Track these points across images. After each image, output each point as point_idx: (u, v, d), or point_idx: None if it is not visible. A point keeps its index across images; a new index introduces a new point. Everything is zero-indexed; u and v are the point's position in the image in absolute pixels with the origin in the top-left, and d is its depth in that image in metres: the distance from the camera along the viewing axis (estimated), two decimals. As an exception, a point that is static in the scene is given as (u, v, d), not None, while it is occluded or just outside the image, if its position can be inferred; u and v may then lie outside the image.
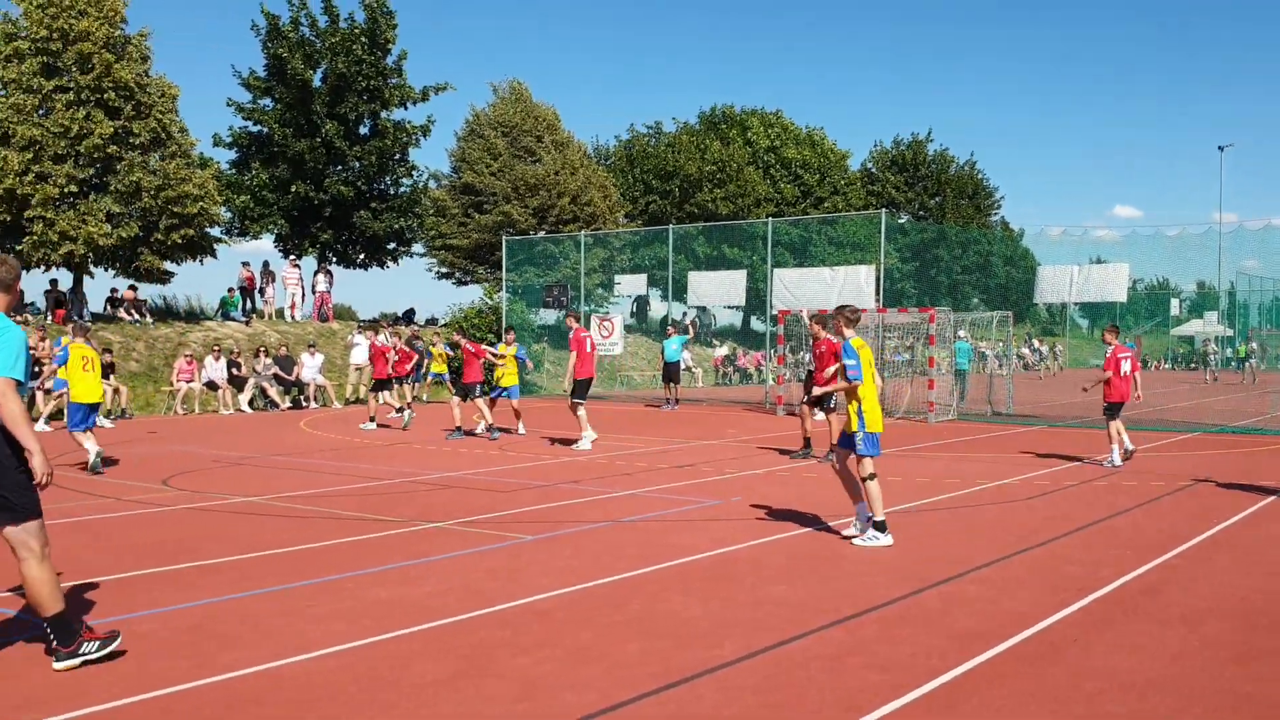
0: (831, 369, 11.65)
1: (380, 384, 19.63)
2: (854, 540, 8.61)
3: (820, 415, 14.87)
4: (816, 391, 11.30)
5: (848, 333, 9.10)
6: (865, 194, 56.40)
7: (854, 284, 23.31)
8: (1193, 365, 49.52)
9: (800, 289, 24.22)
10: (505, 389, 17.62)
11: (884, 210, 31.67)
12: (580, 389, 16.00)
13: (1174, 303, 48.28)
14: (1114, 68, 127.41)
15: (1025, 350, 47.81)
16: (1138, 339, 43.32)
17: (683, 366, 27.77)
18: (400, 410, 19.55)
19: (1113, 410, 13.91)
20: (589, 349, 16.23)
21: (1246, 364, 31.27)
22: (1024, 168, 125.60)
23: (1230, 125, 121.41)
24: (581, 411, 15.97)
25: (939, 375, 21.99)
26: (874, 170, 60.29)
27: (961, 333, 23.57)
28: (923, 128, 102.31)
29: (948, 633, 6.05)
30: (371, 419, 19.28)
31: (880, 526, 8.56)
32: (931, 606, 6.65)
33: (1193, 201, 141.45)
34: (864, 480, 8.68)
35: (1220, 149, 58.44)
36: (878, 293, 23.63)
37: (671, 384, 25.13)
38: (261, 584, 7.23)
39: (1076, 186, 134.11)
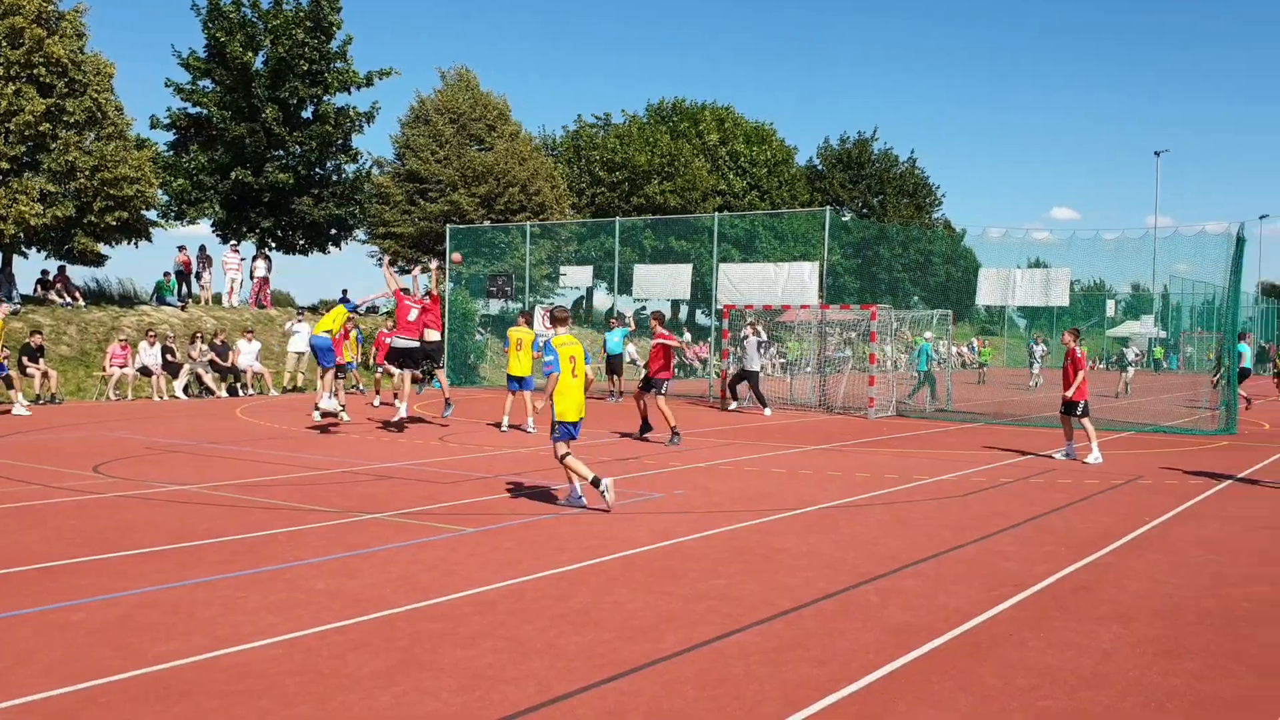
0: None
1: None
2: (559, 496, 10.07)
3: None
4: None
5: (552, 330, 10.19)
6: (811, 190, 56.82)
7: (798, 280, 23.47)
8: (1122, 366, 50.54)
9: (745, 284, 24.32)
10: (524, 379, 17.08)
11: (828, 207, 31.89)
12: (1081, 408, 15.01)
13: (1110, 304, 49.26)
14: (1054, 72, 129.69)
15: (964, 349, 48.45)
16: (981, 342, 44.34)
17: (626, 359, 27.74)
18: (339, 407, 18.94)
19: (1083, 408, 14.34)
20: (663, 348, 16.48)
21: (1128, 369, 31.43)
22: (965, 168, 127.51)
23: (1167, 131, 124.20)
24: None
25: (879, 372, 22.22)
26: (820, 167, 60.77)
27: (928, 334, 23.90)
28: (868, 126, 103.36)
29: (885, 627, 6.12)
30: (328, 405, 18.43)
31: (596, 483, 9.64)
32: (869, 601, 6.72)
33: (1129, 205, 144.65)
34: (560, 459, 9.88)
35: (1156, 154, 60.05)
36: (821, 289, 23.81)
37: (615, 376, 25.12)
38: (194, 574, 7.09)
39: (1016, 188, 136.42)
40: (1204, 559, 8.19)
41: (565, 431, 9.92)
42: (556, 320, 10.72)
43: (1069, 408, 14.48)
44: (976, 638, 5.97)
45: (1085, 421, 14.32)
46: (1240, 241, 19.11)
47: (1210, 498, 11.30)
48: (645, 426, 16.22)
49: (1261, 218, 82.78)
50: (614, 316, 27.52)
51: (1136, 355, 32.33)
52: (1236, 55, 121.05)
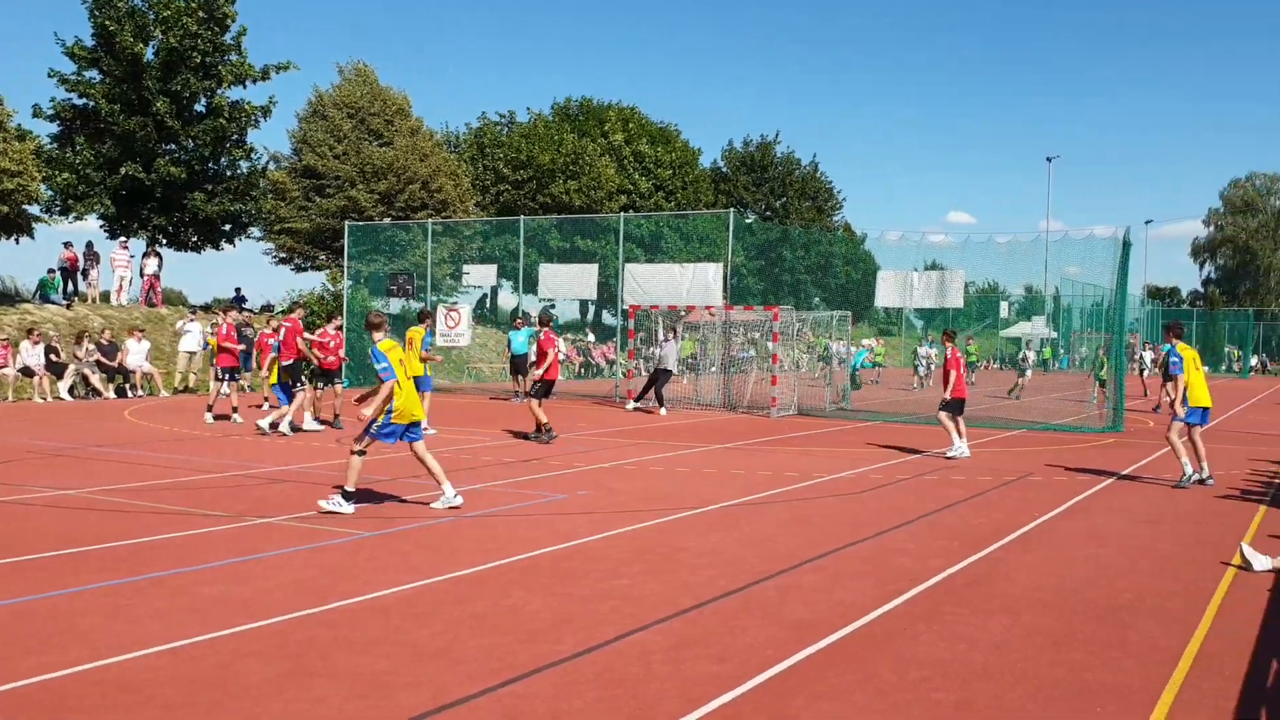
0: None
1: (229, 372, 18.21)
2: (321, 505, 9.43)
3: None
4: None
5: (376, 336, 9.87)
6: (716, 192, 57.34)
7: (702, 281, 23.62)
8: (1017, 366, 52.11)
9: (651, 284, 24.39)
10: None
11: (733, 209, 32.18)
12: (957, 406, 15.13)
13: (1003, 305, 50.71)
14: (949, 78, 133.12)
15: (925, 349, 49.36)
16: (969, 339, 45.38)
17: (530, 359, 27.62)
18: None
19: (958, 406, 14.74)
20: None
21: (1026, 374, 32.30)
22: (864, 172, 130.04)
23: (1059, 139, 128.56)
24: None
25: (781, 372, 22.50)
26: (725, 170, 61.37)
27: (867, 341, 24.51)
28: (770, 129, 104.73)
29: (784, 623, 6.17)
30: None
31: (348, 496, 9.37)
32: (768, 597, 6.78)
33: (1022, 209, 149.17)
34: (352, 452, 9.56)
35: (1049, 160, 61.87)
36: (725, 290, 24.03)
37: (519, 376, 24.94)
38: (76, 582, 6.80)
39: (914, 192, 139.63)
40: (1090, 552, 8.46)
41: (398, 432, 9.61)
42: (373, 325, 10.12)
43: (949, 406, 14.84)
44: (872, 632, 6.06)
45: (953, 417, 14.75)
46: (1126, 245, 19.84)
47: (1097, 493, 11.69)
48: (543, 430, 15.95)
49: (1147, 222, 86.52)
50: (519, 316, 27.32)
51: (1024, 358, 33.31)
52: (1124, 62, 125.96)
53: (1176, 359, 11.86)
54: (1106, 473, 13.33)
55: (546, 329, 16.53)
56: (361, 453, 9.57)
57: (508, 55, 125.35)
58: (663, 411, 21.35)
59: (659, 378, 22.00)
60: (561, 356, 16.98)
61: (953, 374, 14.74)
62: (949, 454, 14.55)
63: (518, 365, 24.95)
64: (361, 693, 4.89)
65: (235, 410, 18.27)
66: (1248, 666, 5.57)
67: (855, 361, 24.73)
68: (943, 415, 14.81)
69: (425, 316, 17.57)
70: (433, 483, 9.94)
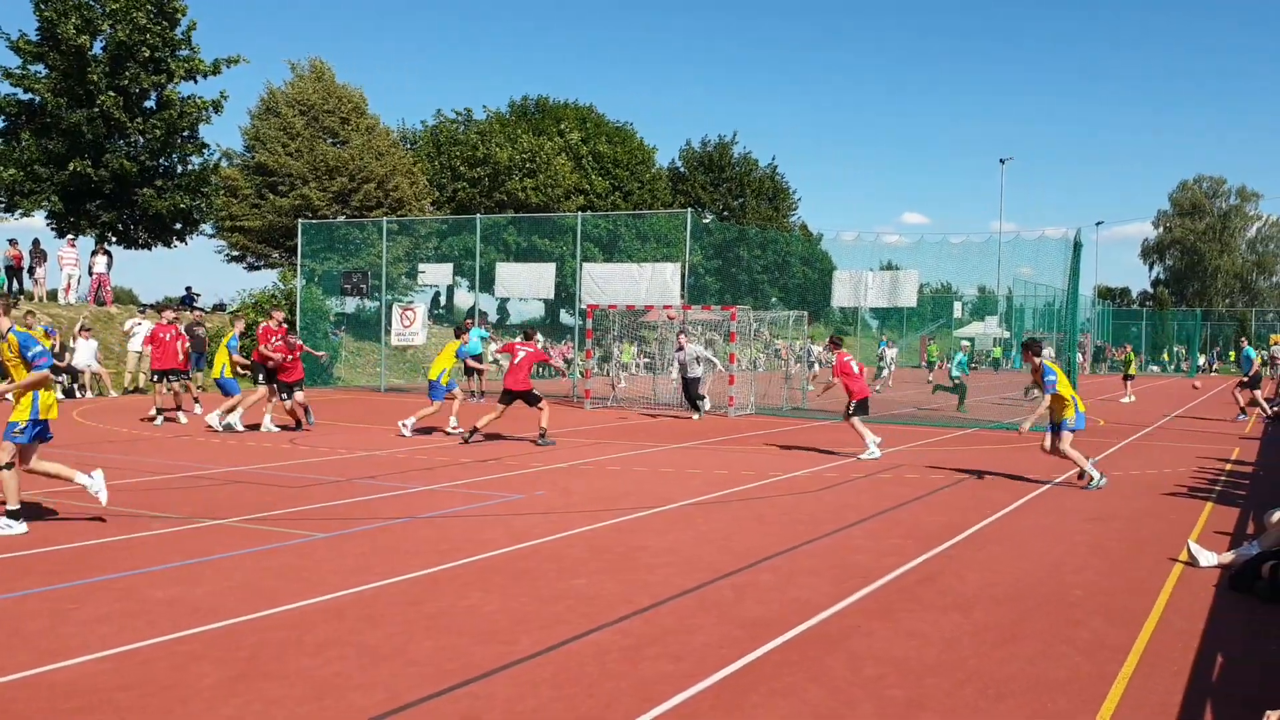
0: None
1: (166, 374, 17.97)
2: None
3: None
4: None
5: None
6: (673, 192, 57.44)
7: (661, 280, 23.64)
8: (974, 365, 52.75)
9: (609, 284, 24.36)
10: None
11: (690, 209, 32.23)
12: (862, 408, 14.88)
13: (956, 305, 51.29)
14: (903, 79, 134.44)
15: (818, 348, 49.70)
16: (923, 339, 45.90)
17: (489, 359, 27.45)
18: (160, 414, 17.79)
19: (863, 407, 14.79)
20: (856, 370, 15.11)
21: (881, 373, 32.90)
22: (820, 172, 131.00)
23: (1012, 141, 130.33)
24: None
25: (739, 371, 22.59)
26: (682, 169, 61.49)
27: (965, 344, 24.44)
28: (728, 129, 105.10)
29: (739, 621, 6.19)
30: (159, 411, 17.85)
31: (14, 515, 8.35)
32: (725, 596, 6.80)
33: (975, 210, 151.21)
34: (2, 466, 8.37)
35: (1001, 162, 62.62)
36: (683, 289, 24.08)
37: (475, 376, 24.80)
38: (20, 585, 6.67)
39: (869, 193, 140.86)
40: (1041, 550, 8.57)
41: (38, 433, 8.71)
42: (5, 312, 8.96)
43: (857, 409, 14.76)
44: (827, 629, 6.10)
45: (863, 420, 14.75)
46: (1078, 246, 20.16)
47: (1048, 491, 11.85)
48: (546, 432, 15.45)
49: (1098, 224, 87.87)
50: (469, 316, 27.16)
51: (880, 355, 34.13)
52: (1076, 65, 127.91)
53: (1053, 376, 11.97)
54: (1057, 471, 13.51)
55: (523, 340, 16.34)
56: (9, 465, 8.42)
57: (464, 53, 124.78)
58: (696, 417, 20.70)
59: (687, 386, 21.33)
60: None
61: (838, 380, 14.97)
62: (861, 456, 14.43)
63: (469, 366, 24.60)
64: (315, 695, 4.84)
65: (180, 410, 18.06)
66: (1194, 661, 5.67)
67: (959, 365, 23.52)
68: (855, 421, 14.66)
69: (461, 332, 17.89)
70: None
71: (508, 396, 15.49)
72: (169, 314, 18.30)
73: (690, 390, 21.21)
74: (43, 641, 5.54)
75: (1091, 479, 12.00)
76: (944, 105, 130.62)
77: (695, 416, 20.74)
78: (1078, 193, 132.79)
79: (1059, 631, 6.17)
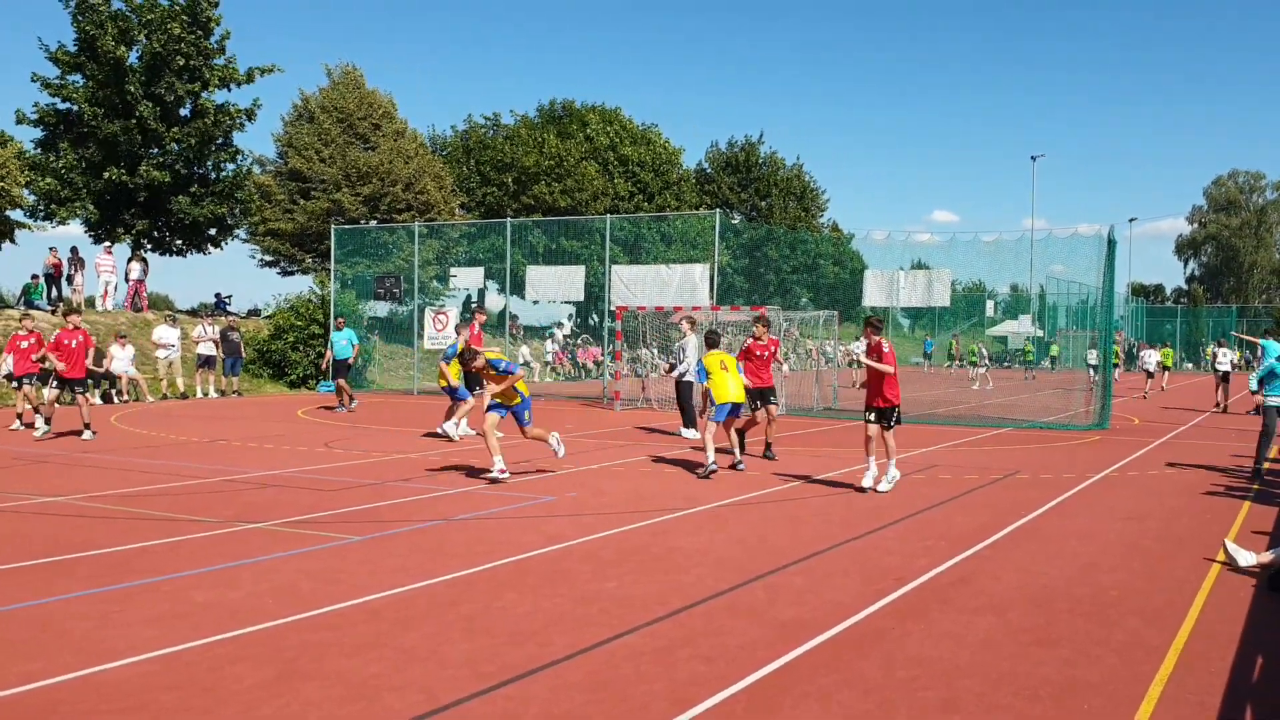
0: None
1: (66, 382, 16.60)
2: None
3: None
4: None
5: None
6: (700, 193, 57.41)
7: (690, 281, 23.67)
8: (1006, 364, 52.42)
9: (638, 286, 24.40)
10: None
11: (719, 210, 32.20)
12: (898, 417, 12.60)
13: (989, 304, 50.97)
14: (932, 76, 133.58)
15: (853, 347, 49.45)
16: (955, 337, 45.57)
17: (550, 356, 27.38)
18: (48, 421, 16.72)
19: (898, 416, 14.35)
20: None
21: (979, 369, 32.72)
22: (848, 172, 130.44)
23: (1043, 137, 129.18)
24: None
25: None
26: (709, 170, 61.44)
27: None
28: (755, 130, 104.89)
29: (772, 623, 6.21)
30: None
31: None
32: (757, 598, 6.81)
33: (1007, 208, 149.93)
34: None
35: (1033, 159, 62.22)
36: (712, 290, 24.08)
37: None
38: (65, 589, 6.80)
39: (898, 191, 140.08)
40: (1076, 550, 8.52)
41: None
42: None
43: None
44: (860, 631, 6.10)
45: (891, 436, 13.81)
46: (1111, 243, 19.94)
47: (1082, 490, 11.77)
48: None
49: (1131, 220, 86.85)
50: (339, 315, 24.59)
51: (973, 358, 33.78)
52: (1107, 60, 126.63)
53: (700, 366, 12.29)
54: (1092, 470, 13.41)
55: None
56: None
57: (493, 58, 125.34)
58: (686, 434, 17.22)
59: (680, 391, 18.00)
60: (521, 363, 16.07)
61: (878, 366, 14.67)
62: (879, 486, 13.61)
63: (338, 369, 22.08)
64: (353, 697, 4.91)
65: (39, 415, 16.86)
66: (1232, 663, 5.63)
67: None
68: (889, 436, 13.70)
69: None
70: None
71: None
72: (75, 319, 16.81)
73: (684, 398, 17.84)
74: (87, 644, 5.64)
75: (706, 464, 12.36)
76: (974, 102, 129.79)
77: (685, 433, 17.23)
78: (1110, 189, 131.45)
79: (1094, 633, 6.14)
